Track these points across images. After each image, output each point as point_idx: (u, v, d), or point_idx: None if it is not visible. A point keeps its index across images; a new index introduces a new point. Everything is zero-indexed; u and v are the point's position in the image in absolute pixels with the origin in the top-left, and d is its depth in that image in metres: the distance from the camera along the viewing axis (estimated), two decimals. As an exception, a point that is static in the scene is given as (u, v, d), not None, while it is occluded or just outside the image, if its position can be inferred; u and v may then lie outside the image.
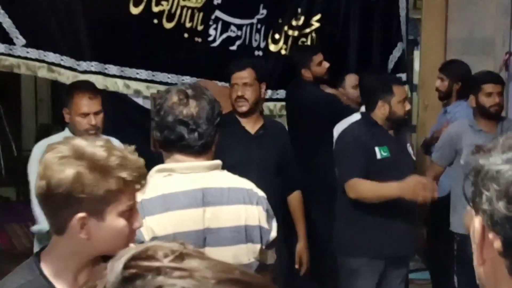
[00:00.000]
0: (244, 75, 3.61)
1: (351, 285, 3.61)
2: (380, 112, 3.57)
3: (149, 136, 4.15)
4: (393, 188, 3.35)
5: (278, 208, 3.59)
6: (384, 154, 3.53)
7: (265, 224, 2.16)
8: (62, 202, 1.47)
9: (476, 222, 1.01)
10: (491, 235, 0.98)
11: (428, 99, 5.40)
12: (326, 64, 4.51)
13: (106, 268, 0.73)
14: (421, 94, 5.71)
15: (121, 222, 1.54)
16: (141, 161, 1.54)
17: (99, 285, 0.71)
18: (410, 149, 3.75)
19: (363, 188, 3.43)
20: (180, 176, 2.08)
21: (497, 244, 0.97)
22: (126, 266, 0.71)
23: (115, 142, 3.26)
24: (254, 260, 2.13)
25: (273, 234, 2.18)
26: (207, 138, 2.10)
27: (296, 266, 3.76)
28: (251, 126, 3.63)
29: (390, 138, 3.62)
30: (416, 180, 3.36)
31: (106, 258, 1.56)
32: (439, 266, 4.55)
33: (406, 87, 5.19)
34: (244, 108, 3.59)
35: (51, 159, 1.47)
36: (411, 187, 3.31)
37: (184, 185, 2.06)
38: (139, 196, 2.00)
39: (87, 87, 3.36)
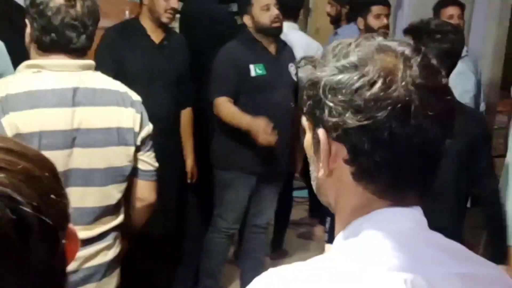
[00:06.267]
0: None
1: (223, 197, 3.71)
2: (249, 25, 3.55)
3: (23, 32, 3.93)
4: (244, 121, 3.40)
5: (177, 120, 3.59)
6: (259, 71, 3.54)
7: (139, 128, 2.11)
8: None
9: (321, 134, 1.00)
10: (334, 146, 0.99)
11: (319, 22, 5.44)
12: None
13: None
14: (313, 17, 5.74)
15: None
16: None
17: None
18: (291, 69, 3.71)
19: (225, 111, 3.48)
20: (50, 74, 1.99)
21: (343, 152, 0.98)
22: None
23: None
24: (128, 163, 2.11)
25: (143, 135, 2.13)
26: (92, 39, 2.04)
27: (188, 181, 3.77)
28: (156, 35, 3.49)
29: (269, 56, 3.60)
30: (264, 124, 3.35)
31: None
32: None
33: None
34: (172, 19, 3.45)
35: None
36: (257, 128, 3.33)
37: (54, 83, 1.98)
38: (4, 91, 1.92)
39: None
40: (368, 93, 0.95)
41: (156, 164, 2.23)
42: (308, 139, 1.08)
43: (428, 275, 0.95)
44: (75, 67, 2.02)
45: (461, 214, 2.68)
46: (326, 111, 0.98)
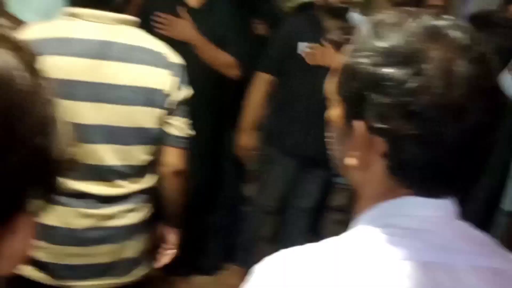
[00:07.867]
0: None
1: (263, 173, 3.71)
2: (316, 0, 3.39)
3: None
4: None
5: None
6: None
7: (172, 91, 2.00)
8: None
9: (359, 128, 0.88)
10: (372, 138, 0.88)
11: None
12: None
13: None
14: None
15: None
16: None
17: None
18: None
19: None
20: (83, 23, 1.93)
21: (381, 146, 0.87)
22: None
23: None
24: (155, 126, 2.00)
25: (178, 99, 2.03)
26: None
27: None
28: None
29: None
30: None
31: None
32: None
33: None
34: None
35: None
36: None
37: (85, 32, 1.92)
38: (34, 35, 1.87)
39: None
40: (427, 98, 0.82)
41: (190, 132, 2.12)
42: (337, 116, 0.94)
43: (452, 265, 0.86)
44: (110, 19, 1.95)
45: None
46: (370, 111, 0.85)
